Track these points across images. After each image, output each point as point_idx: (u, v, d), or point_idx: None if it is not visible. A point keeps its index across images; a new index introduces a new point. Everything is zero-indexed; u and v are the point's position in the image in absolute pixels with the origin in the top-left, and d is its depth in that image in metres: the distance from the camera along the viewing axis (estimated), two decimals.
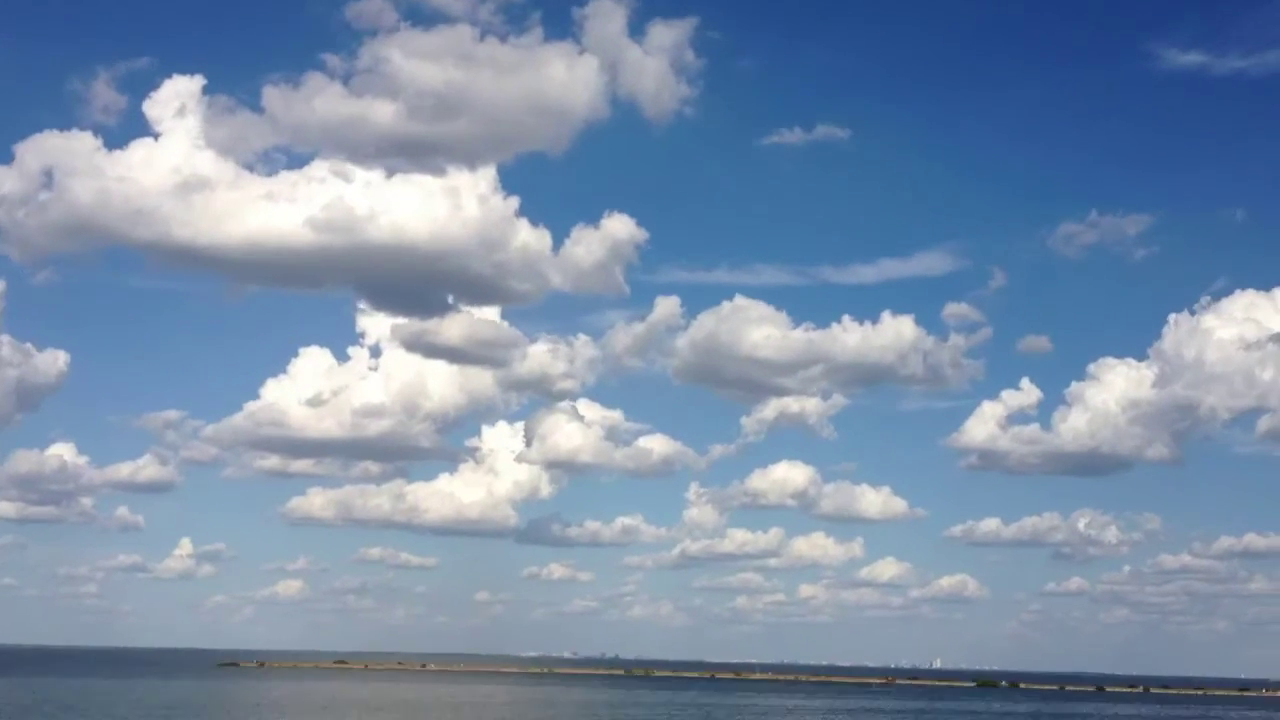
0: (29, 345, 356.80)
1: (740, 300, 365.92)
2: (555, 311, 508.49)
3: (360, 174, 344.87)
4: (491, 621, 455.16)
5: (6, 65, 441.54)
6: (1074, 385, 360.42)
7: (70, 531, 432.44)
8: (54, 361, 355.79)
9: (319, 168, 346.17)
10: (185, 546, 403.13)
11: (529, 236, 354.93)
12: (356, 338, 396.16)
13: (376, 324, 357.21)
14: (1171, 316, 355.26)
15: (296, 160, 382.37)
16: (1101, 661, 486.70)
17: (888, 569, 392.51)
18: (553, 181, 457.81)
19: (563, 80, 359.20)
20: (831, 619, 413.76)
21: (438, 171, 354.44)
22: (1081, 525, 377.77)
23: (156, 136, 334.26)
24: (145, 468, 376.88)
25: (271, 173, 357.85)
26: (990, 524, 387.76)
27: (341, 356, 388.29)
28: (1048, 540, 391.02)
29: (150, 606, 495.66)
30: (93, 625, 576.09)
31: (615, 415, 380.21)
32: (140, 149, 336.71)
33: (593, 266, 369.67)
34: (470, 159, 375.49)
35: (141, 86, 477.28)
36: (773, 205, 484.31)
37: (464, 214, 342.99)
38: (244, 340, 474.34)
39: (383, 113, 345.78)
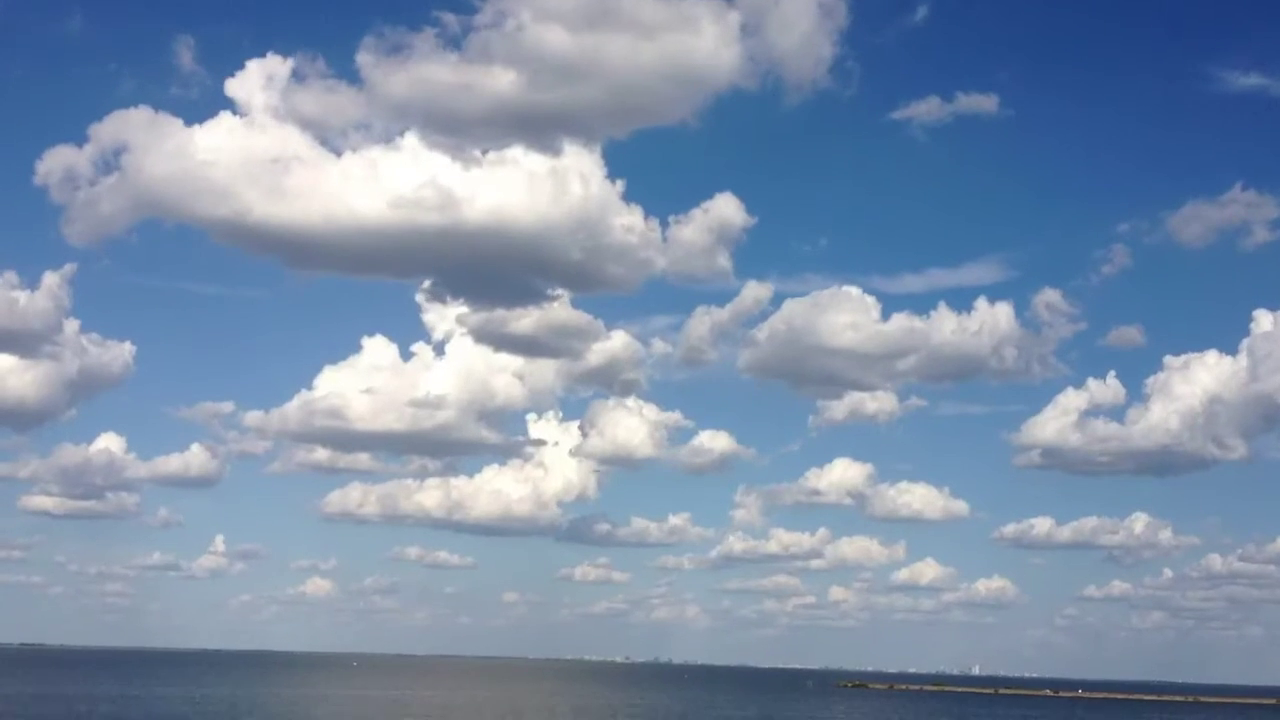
0: (94, 334, 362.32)
1: (834, 289, 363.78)
2: (650, 299, 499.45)
3: (456, 151, 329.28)
4: (517, 623, 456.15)
5: (89, 36, 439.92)
6: (1149, 381, 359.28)
7: (106, 528, 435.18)
8: (119, 354, 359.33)
9: (412, 144, 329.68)
10: (219, 544, 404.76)
11: (631, 221, 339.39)
12: (423, 327, 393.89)
13: (448, 313, 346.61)
14: (1255, 312, 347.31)
15: (388, 135, 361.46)
16: (1133, 668, 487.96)
17: (927, 571, 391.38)
18: (666, 160, 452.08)
19: (707, 45, 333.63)
20: (858, 623, 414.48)
21: (547, 149, 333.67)
22: (1137, 528, 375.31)
23: (237, 111, 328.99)
24: (190, 461, 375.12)
25: (359, 149, 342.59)
26: (1043, 526, 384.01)
27: (406, 346, 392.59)
28: (1098, 543, 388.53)
29: (175, 606, 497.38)
30: (114, 625, 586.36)
31: (676, 411, 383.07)
32: (219, 125, 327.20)
33: (694, 253, 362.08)
34: (587, 134, 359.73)
35: (229, 55, 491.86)
36: (895, 186, 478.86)
37: (562, 197, 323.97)
38: (310, 329, 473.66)
39: (498, 81, 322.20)
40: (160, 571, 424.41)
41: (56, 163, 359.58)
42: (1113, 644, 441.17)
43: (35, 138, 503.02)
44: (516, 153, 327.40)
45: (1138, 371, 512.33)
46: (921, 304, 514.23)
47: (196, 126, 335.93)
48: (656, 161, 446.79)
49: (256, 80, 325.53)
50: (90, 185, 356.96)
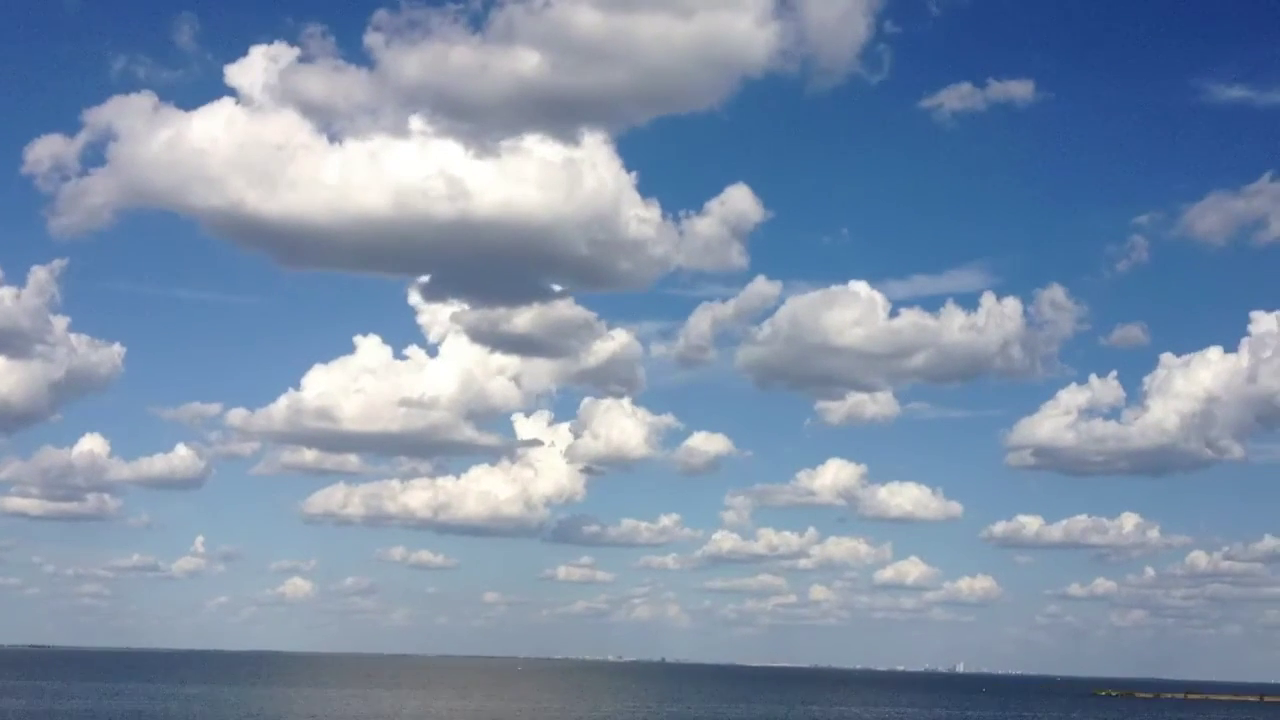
0: (83, 334, 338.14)
1: (840, 286, 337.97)
2: (660, 296, 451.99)
3: (468, 139, 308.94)
4: (500, 623, 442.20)
5: (86, 15, 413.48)
6: (1147, 380, 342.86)
7: (86, 529, 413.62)
8: (109, 355, 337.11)
9: (421, 131, 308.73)
10: (199, 545, 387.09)
11: (646, 214, 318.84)
12: (418, 325, 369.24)
13: (444, 311, 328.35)
14: (1253, 313, 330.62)
15: (396, 122, 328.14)
16: (1113, 666, 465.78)
17: (911, 570, 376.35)
18: (686, 149, 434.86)
19: (744, 25, 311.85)
20: (838, 622, 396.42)
21: (564, 137, 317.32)
22: (1127, 528, 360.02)
23: (237, 96, 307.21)
24: (174, 463, 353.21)
25: (364, 136, 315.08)
26: (1032, 526, 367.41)
27: (399, 345, 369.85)
28: (1085, 542, 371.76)
29: (150, 607, 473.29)
30: (88, 626, 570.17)
31: (671, 412, 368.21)
32: (217, 111, 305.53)
33: (709, 248, 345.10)
34: (607, 121, 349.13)
35: (231, 35, 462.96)
36: (917, 179, 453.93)
37: (576, 190, 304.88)
38: (303, 327, 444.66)
39: (520, 64, 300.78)
40: (137, 573, 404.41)
41: (46, 151, 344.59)
42: (1092, 642, 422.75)
43: (26, 123, 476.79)
44: (531, 141, 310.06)
45: (1140, 370, 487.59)
46: (931, 301, 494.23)
47: (192, 112, 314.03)
48: (676, 152, 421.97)
49: (259, 64, 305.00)
50: (80, 176, 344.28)
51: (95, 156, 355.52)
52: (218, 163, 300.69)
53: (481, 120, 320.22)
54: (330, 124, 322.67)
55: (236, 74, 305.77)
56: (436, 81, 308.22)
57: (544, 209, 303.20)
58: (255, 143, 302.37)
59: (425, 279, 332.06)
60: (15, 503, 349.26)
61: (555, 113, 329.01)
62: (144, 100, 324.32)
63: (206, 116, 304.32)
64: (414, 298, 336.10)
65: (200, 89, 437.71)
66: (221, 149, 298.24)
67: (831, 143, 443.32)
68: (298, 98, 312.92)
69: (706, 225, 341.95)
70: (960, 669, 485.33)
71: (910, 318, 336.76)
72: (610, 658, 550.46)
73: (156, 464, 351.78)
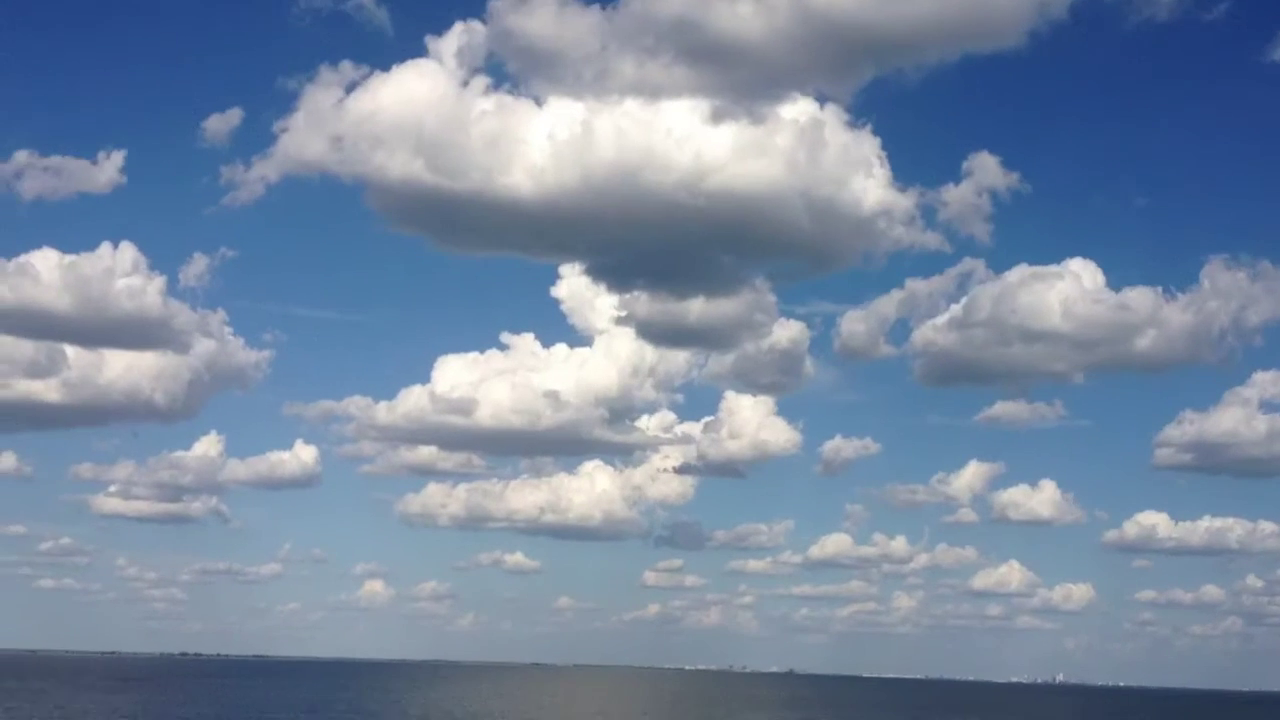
0: (230, 329, 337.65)
1: (1052, 266, 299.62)
2: (872, 281, 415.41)
3: (713, 95, 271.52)
4: (559, 629, 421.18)
5: None
6: None
7: (181, 532, 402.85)
8: (256, 358, 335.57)
9: (652, 87, 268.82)
10: (285, 549, 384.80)
11: (886, 188, 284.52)
12: (576, 315, 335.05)
13: (610, 300, 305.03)
14: None
15: (626, 78, 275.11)
16: (1186, 677, 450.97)
17: (1012, 576, 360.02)
18: (950, 109, 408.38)
19: None
20: (913, 630, 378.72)
21: (831, 89, 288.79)
22: (1265, 531, 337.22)
23: (428, 56, 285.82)
24: (290, 463, 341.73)
25: (583, 96, 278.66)
26: (1159, 529, 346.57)
27: (550, 336, 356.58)
28: (1215, 547, 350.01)
29: (221, 612, 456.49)
30: (156, 631, 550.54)
31: (820, 409, 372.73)
32: (412, 73, 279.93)
33: (949, 226, 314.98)
34: (892, 65, 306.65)
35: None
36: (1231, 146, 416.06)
37: (814, 161, 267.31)
38: (450, 318, 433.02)
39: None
40: (222, 577, 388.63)
41: (223, 125, 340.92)
42: (1172, 651, 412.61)
43: (208, 96, 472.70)
44: (790, 98, 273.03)
45: None
46: (1156, 278, 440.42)
47: (388, 73, 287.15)
48: (934, 116, 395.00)
49: (464, 25, 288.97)
50: (250, 155, 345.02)
51: (268, 134, 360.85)
52: (404, 135, 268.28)
53: (739, 70, 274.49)
54: (545, 80, 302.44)
55: (439, 38, 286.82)
56: (692, 19, 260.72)
57: (780, 183, 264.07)
58: (452, 110, 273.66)
59: (604, 262, 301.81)
60: (114, 504, 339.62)
61: (833, 57, 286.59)
62: (335, 71, 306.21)
63: (400, 80, 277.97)
64: (581, 285, 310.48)
65: (398, 52, 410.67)
66: (412, 118, 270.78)
67: (1135, 92, 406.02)
68: (508, 53, 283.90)
69: (956, 197, 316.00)
70: (1060, 679, 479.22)
71: (1126, 298, 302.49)
72: (735, 668, 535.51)
73: (271, 464, 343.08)
